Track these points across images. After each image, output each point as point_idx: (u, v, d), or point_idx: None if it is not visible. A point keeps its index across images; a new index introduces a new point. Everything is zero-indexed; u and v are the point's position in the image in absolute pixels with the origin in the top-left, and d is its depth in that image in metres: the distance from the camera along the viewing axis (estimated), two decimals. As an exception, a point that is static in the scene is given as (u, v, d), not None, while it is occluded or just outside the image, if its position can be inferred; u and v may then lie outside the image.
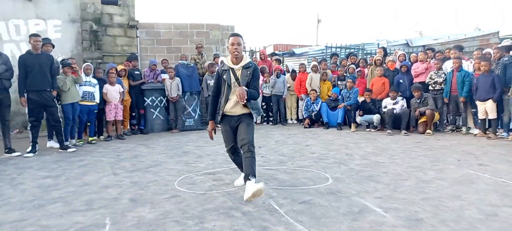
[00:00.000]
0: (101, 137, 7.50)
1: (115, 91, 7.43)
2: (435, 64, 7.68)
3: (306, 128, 8.64)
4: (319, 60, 10.10)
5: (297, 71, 9.79)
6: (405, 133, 7.31)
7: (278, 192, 3.67)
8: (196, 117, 8.77)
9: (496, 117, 6.65)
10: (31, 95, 5.88)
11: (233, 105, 3.52)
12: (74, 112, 6.60)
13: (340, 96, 8.58)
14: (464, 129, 7.35)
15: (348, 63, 9.56)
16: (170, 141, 7.13)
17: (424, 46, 12.25)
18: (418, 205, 3.26)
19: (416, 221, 2.89)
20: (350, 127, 8.21)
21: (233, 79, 3.52)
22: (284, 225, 2.86)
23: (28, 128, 6.16)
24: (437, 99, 7.54)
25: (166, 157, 5.62)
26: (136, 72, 8.33)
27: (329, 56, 11.25)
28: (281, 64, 10.70)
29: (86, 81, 6.90)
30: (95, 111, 7.12)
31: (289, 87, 9.53)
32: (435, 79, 7.51)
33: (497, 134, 6.70)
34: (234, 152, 3.66)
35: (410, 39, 13.69)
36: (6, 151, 5.94)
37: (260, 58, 10.47)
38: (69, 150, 6.18)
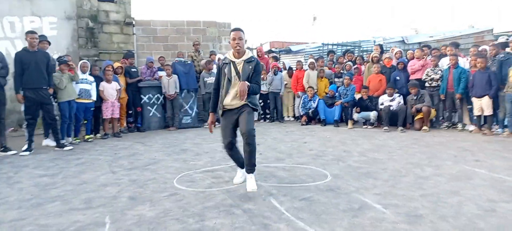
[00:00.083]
0: (98, 135, 7.46)
1: (111, 89, 7.39)
2: (431, 61, 7.72)
3: (303, 125, 8.65)
4: (316, 57, 10.11)
5: (294, 69, 9.79)
6: (402, 130, 7.34)
7: (277, 189, 3.67)
8: (193, 114, 8.75)
9: (492, 114, 6.70)
10: (28, 93, 5.83)
11: (232, 98, 3.51)
12: (70, 110, 6.56)
13: (337, 93, 8.59)
14: (460, 125, 7.40)
15: (345, 61, 9.57)
16: (167, 139, 7.11)
17: (420, 43, 12.30)
18: (417, 201, 3.28)
19: (416, 217, 2.91)
20: (347, 124, 8.23)
21: (233, 73, 3.51)
22: (285, 222, 2.87)
23: (24, 126, 6.12)
24: (434, 96, 7.57)
25: (163, 154, 5.61)
26: (133, 69, 8.28)
27: (326, 53, 11.26)
28: (278, 62, 10.68)
29: (82, 79, 6.85)
30: (91, 109, 7.08)
31: (286, 84, 9.53)
32: (432, 76, 7.55)
33: (492, 130, 6.75)
34: (231, 147, 3.62)
35: (406, 37, 13.75)
36: (2, 149, 5.88)
37: (257, 55, 10.45)
38: (65, 148, 6.14)
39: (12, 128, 8.28)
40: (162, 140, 6.96)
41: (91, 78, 7.07)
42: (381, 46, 9.88)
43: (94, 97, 7.04)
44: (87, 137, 7.05)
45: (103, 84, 7.31)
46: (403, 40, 13.14)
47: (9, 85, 6.15)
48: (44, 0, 9.02)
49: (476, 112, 6.89)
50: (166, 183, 4.00)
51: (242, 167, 3.74)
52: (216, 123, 3.77)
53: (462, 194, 3.44)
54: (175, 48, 10.52)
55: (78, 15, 9.38)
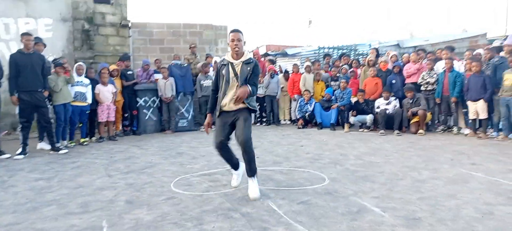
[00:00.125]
0: (93, 138, 7.40)
1: (107, 92, 7.34)
2: (427, 65, 7.77)
3: (300, 128, 8.66)
4: (312, 60, 10.13)
5: (290, 72, 9.81)
6: (398, 133, 7.38)
7: (275, 193, 3.66)
8: (190, 117, 8.71)
9: (486, 117, 6.75)
10: (23, 95, 5.77)
11: (230, 100, 3.49)
12: (66, 113, 6.50)
13: (333, 97, 8.61)
14: (455, 129, 7.45)
15: (341, 64, 9.61)
16: (164, 142, 7.08)
17: (415, 47, 12.36)
18: (415, 204, 3.29)
19: (414, 220, 2.92)
20: (343, 127, 8.25)
21: (231, 74, 3.49)
22: (284, 225, 2.86)
23: (19, 129, 6.05)
24: (429, 100, 7.62)
25: (160, 158, 5.57)
26: (129, 72, 8.24)
27: (322, 56, 11.29)
28: (274, 65, 10.69)
29: (78, 82, 6.80)
30: (87, 112, 7.03)
31: (283, 88, 9.54)
32: (427, 80, 7.60)
33: (487, 133, 6.80)
34: (222, 147, 3.56)
35: (401, 40, 13.82)
36: (-4, 152, 5.82)
37: (254, 58, 10.45)
38: (60, 151, 6.08)
39: (6, 131, 8.20)
40: (158, 143, 6.93)
41: (87, 81, 7.02)
42: (376, 49, 9.93)
43: (89, 100, 6.99)
44: (82, 140, 6.99)
45: (99, 87, 7.26)
46: (398, 44, 13.20)
47: (3, 88, 6.09)
48: (39, 2, 8.97)
49: (471, 115, 6.94)
50: (163, 187, 3.98)
51: (235, 169, 3.72)
52: (213, 126, 3.74)
53: (459, 197, 3.46)
54: (171, 51, 10.50)
55: (74, 17, 9.34)
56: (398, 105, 7.73)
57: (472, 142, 6.40)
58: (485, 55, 7.25)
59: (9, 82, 5.82)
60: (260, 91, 9.27)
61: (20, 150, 5.84)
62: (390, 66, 8.53)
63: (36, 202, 3.53)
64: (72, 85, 6.69)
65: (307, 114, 8.73)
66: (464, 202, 3.31)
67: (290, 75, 9.76)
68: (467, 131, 7.12)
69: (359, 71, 9.15)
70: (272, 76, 9.30)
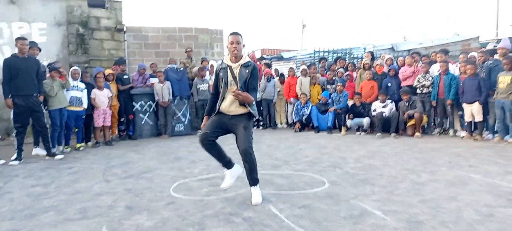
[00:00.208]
0: (89, 143, 7.33)
1: (103, 96, 7.28)
2: (422, 68, 7.83)
3: (297, 131, 8.66)
4: (308, 64, 10.16)
5: (286, 76, 9.83)
6: (394, 136, 7.41)
7: (276, 197, 3.65)
8: (186, 121, 8.67)
9: (482, 119, 6.81)
10: (17, 100, 5.69)
11: (229, 104, 3.46)
12: (61, 118, 6.43)
13: (330, 100, 8.64)
14: (451, 131, 7.50)
15: (336, 67, 9.64)
16: (161, 147, 7.03)
17: (409, 50, 12.48)
18: (416, 207, 3.29)
19: (417, 223, 2.92)
20: (340, 131, 8.26)
21: (230, 77, 3.47)
22: (286, 230, 2.84)
23: (14, 135, 5.96)
24: (425, 102, 7.67)
25: (158, 163, 5.53)
26: (124, 76, 8.18)
27: (317, 60, 11.33)
28: (270, 69, 10.70)
29: (73, 86, 6.73)
30: (83, 117, 6.96)
31: (279, 91, 9.55)
32: (423, 83, 7.65)
33: (483, 136, 6.85)
34: (205, 142, 3.42)
35: (395, 44, 13.93)
36: (-10, 158, 5.72)
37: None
38: (56, 157, 6.01)
39: (0, 137, 8.08)
40: (156, 148, 6.87)
41: (82, 86, 6.96)
42: (372, 53, 9.99)
43: (85, 105, 6.93)
44: (78, 145, 6.92)
45: (95, 91, 7.20)
46: (393, 48, 13.31)
47: (-3, 93, 6.01)
48: (33, 6, 8.88)
49: (467, 118, 6.99)
50: (163, 192, 3.94)
51: (227, 167, 3.64)
52: None
53: (460, 199, 3.47)
54: (167, 55, 10.46)
55: (68, 21, 9.26)
56: (394, 108, 7.77)
57: (468, 144, 6.44)
58: (479, 58, 7.33)
59: (2, 87, 5.74)
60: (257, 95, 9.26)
61: (15, 156, 5.75)
62: (385, 69, 8.58)
63: (33, 209, 3.47)
64: (67, 90, 6.62)
65: (304, 117, 8.73)
66: (465, 204, 3.32)
67: (285, 79, 9.77)
68: (463, 133, 7.17)
69: (354, 74, 9.19)
70: (268, 80, 9.30)
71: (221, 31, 11.37)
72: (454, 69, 7.68)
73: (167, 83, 8.27)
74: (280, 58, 13.39)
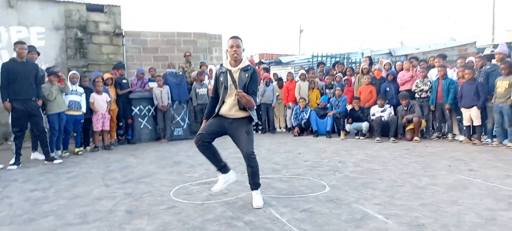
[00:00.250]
0: (88, 148, 7.29)
1: (102, 101, 7.26)
2: (420, 73, 7.86)
3: (296, 136, 8.66)
4: (306, 69, 10.18)
5: (285, 80, 9.84)
6: (393, 140, 7.42)
7: (277, 201, 3.64)
8: (185, 126, 8.65)
9: (480, 124, 6.84)
10: (16, 104, 5.66)
11: (229, 108, 3.45)
12: (60, 122, 6.41)
13: (328, 104, 8.65)
14: (450, 135, 7.52)
15: (335, 72, 9.67)
16: (160, 151, 7.00)
17: (406, 55, 12.54)
18: (418, 210, 3.29)
19: (418, 227, 2.91)
20: (339, 135, 8.27)
21: (230, 82, 3.46)
22: (288, 234, 2.83)
23: (12, 139, 5.92)
24: (423, 107, 7.70)
25: (157, 167, 5.51)
26: (123, 81, 8.17)
27: (316, 65, 11.36)
28: (269, 73, 10.70)
29: (72, 90, 6.72)
30: (81, 121, 6.93)
31: (278, 96, 9.56)
32: (421, 87, 7.68)
33: (481, 140, 6.88)
34: (201, 143, 3.42)
35: (393, 49, 14.00)
36: (-12, 163, 5.68)
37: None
38: (55, 161, 5.98)
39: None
40: (155, 153, 6.85)
41: (81, 90, 6.94)
42: (370, 58, 10.03)
43: (84, 109, 6.90)
44: (77, 149, 6.89)
45: (94, 95, 7.18)
46: (390, 52, 13.37)
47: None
48: (31, 10, 8.88)
49: (465, 122, 7.02)
50: (163, 196, 3.92)
51: (222, 171, 3.61)
52: None
53: (460, 203, 3.47)
54: (165, 60, 10.47)
55: (67, 25, 9.26)
56: (393, 112, 7.79)
57: (467, 148, 6.46)
58: (477, 63, 7.37)
59: (1, 91, 5.71)
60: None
61: (13, 160, 5.72)
62: (384, 74, 8.61)
63: (32, 213, 3.44)
64: (66, 94, 6.60)
65: (303, 122, 8.73)
66: (466, 208, 3.33)
67: (284, 83, 9.79)
68: (461, 137, 7.19)
69: (353, 79, 9.21)
70: (267, 84, 9.31)
71: (220, 36, 11.40)
72: (452, 74, 7.72)
73: (166, 87, 8.26)
74: (279, 63, 13.42)
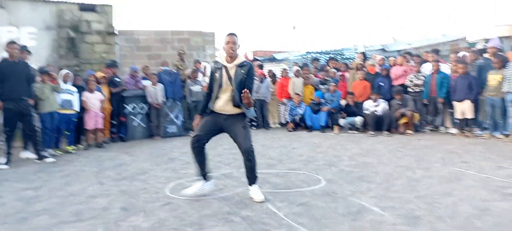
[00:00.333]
0: (80, 146, 7.22)
1: (95, 99, 7.19)
2: (414, 67, 7.91)
3: (290, 131, 8.66)
4: (300, 65, 10.19)
5: (279, 76, 9.84)
6: (387, 134, 7.46)
7: (274, 195, 3.64)
8: (179, 123, 8.61)
9: (473, 117, 6.90)
10: (7, 104, 5.59)
11: (224, 104, 3.44)
12: (52, 121, 6.33)
13: (323, 100, 8.67)
14: (442, 128, 7.58)
15: (329, 68, 9.69)
16: (154, 148, 6.96)
17: (399, 50, 12.61)
18: (413, 203, 3.31)
19: (414, 219, 2.93)
20: (333, 130, 8.29)
21: (225, 78, 3.44)
22: (285, 228, 2.83)
23: (4, 139, 5.84)
24: (417, 101, 7.75)
25: (152, 164, 5.47)
26: (116, 79, 8.10)
27: (310, 61, 11.36)
28: (263, 70, 10.70)
29: (65, 89, 6.64)
30: (74, 119, 6.86)
31: (272, 92, 9.55)
32: (415, 82, 7.73)
33: (473, 133, 6.94)
34: (198, 145, 3.41)
35: (386, 44, 14.08)
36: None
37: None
38: (47, 160, 5.90)
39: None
40: (149, 150, 6.81)
41: (74, 88, 6.86)
42: (364, 53, 10.07)
43: (76, 108, 6.83)
44: (69, 148, 6.81)
45: (86, 94, 7.11)
46: (383, 48, 13.44)
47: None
48: (22, 10, 8.76)
49: (458, 115, 7.08)
50: (158, 193, 3.89)
51: (204, 178, 3.58)
52: None
53: (455, 194, 3.50)
54: (159, 58, 10.40)
55: (59, 25, 9.15)
56: (386, 107, 7.83)
57: (460, 141, 6.52)
58: (470, 57, 7.44)
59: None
60: (250, 96, 9.24)
61: (4, 160, 5.63)
62: (377, 69, 8.65)
63: (26, 212, 3.40)
64: (58, 93, 6.53)
65: (297, 117, 8.74)
66: (460, 200, 3.36)
67: (278, 79, 9.79)
68: (454, 130, 7.26)
69: (347, 74, 9.24)
70: (261, 81, 9.29)
71: (214, 34, 11.36)
72: (445, 68, 7.77)
73: (160, 85, 8.22)
74: (273, 60, 13.42)
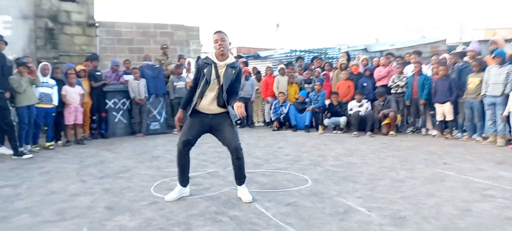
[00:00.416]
0: (59, 142, 7.00)
1: (75, 93, 6.98)
2: (397, 69, 8.05)
3: (275, 130, 8.67)
4: (285, 63, 10.21)
5: (264, 74, 9.82)
6: (370, 135, 7.58)
7: (261, 195, 3.63)
8: (162, 120, 8.47)
9: (453, 119, 7.09)
10: (-18, 97, 5.35)
11: (209, 103, 3.35)
12: (30, 115, 6.09)
13: (307, 99, 8.71)
14: (423, 130, 7.76)
15: (313, 67, 9.75)
16: (136, 146, 6.82)
17: (381, 51, 12.83)
18: (398, 203, 3.37)
19: (400, 219, 2.99)
20: (317, 129, 8.36)
21: (213, 76, 3.35)
22: (274, 228, 2.83)
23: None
24: (399, 102, 7.89)
25: (135, 162, 5.36)
26: (97, 73, 7.88)
27: (294, 59, 11.40)
28: (248, 67, 10.65)
29: (43, 82, 6.41)
30: (53, 114, 6.63)
31: (257, 89, 9.53)
32: (397, 83, 7.87)
33: (453, 134, 7.14)
34: (185, 150, 3.37)
35: (369, 45, 14.29)
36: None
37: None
38: (24, 156, 5.70)
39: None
40: (131, 147, 6.67)
41: (53, 82, 6.63)
42: (347, 53, 10.18)
43: (55, 102, 6.61)
44: (48, 144, 6.58)
45: (66, 88, 6.89)
46: (366, 48, 13.63)
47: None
48: (-3, -2, 8.39)
49: (438, 117, 7.26)
50: (143, 192, 3.82)
51: (183, 184, 3.52)
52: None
53: (438, 195, 3.59)
54: (141, 52, 10.20)
55: (36, 14, 8.82)
56: (369, 107, 7.94)
57: (440, 142, 6.69)
58: (450, 60, 7.63)
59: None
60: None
61: (-21, 156, 5.40)
62: (361, 69, 8.76)
63: (5, 211, 3.26)
64: (36, 86, 6.29)
65: (281, 116, 8.76)
66: (443, 200, 3.44)
67: (262, 77, 9.78)
68: (434, 132, 7.44)
69: (331, 74, 9.32)
70: (246, 79, 9.24)
71: (198, 28, 11.23)
72: (426, 70, 7.95)
73: (143, 80, 8.05)
74: (257, 57, 13.38)
